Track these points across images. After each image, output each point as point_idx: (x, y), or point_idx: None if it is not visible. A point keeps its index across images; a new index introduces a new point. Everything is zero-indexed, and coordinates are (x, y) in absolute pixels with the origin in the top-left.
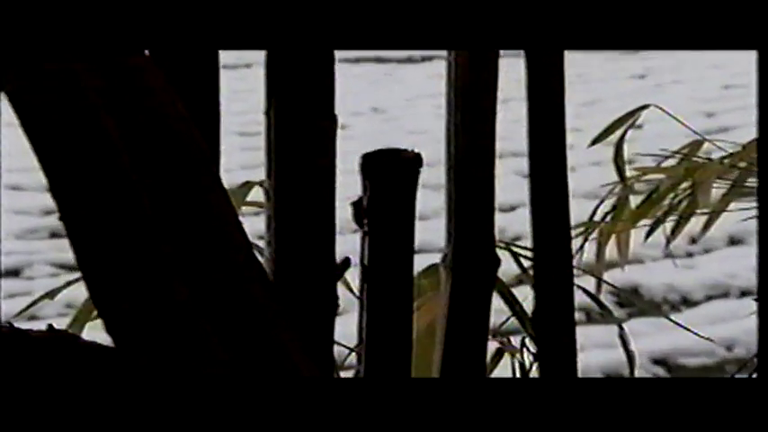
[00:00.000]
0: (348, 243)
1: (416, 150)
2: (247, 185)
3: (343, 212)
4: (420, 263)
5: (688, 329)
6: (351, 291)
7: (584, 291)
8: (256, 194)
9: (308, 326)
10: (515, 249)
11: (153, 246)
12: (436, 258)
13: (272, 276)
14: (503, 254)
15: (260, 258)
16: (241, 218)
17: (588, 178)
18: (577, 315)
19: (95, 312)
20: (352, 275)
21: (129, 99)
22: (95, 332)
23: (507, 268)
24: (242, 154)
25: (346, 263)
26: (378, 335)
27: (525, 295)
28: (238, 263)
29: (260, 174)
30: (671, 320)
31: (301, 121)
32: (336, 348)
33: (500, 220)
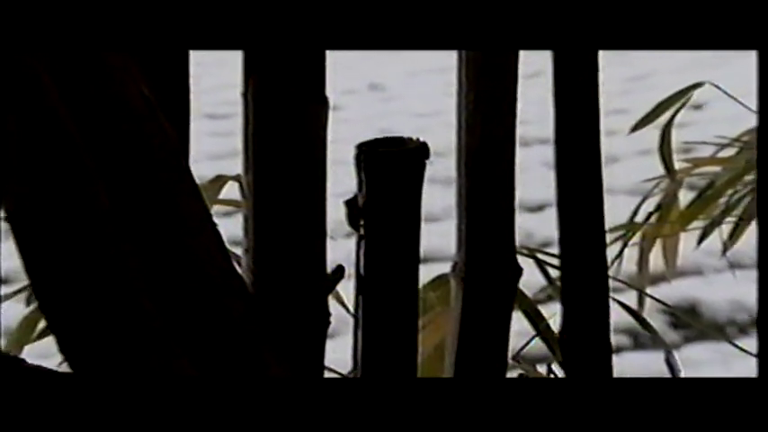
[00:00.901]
0: (341, 249)
1: (422, 138)
2: (219, 180)
3: (335, 212)
4: (427, 273)
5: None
6: (344, 306)
7: (625, 308)
8: (230, 191)
9: (294, 347)
10: (541, 257)
11: (114, 252)
12: (446, 268)
13: (251, 289)
14: (526, 262)
15: (237, 268)
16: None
17: (631, 171)
18: (621, 338)
19: (36, 332)
20: (346, 288)
21: (83, 78)
22: (34, 358)
23: (531, 280)
24: (211, 141)
25: (339, 272)
26: (376, 358)
27: (552, 312)
28: (212, 273)
29: (234, 166)
30: (736, 347)
31: (285, 104)
32: (327, 374)
33: (525, 221)
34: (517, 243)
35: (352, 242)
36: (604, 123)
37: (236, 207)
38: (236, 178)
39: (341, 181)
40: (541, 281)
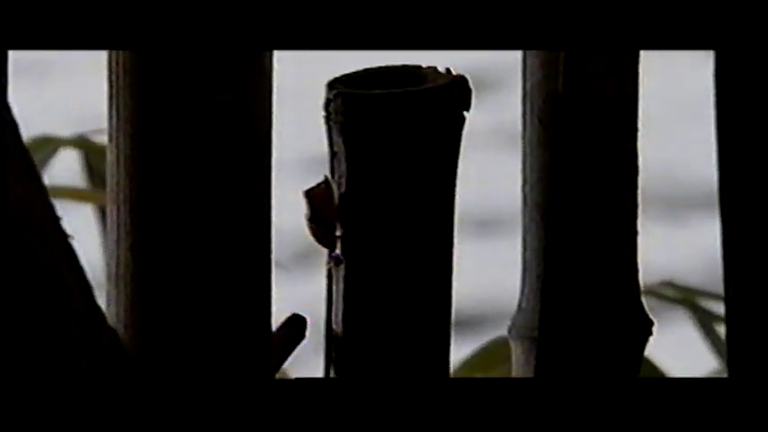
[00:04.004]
0: (298, 285)
1: (455, 70)
2: (44, 144)
3: (289, 213)
4: (468, 337)
5: None
6: None
7: None
8: (65, 163)
9: None
10: (703, 303)
11: None
12: (503, 327)
13: (128, 350)
14: (674, 311)
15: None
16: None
17: None
18: None
19: None
20: (308, 357)
21: None
22: None
23: (683, 343)
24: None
25: (294, 329)
26: None
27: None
28: (66, 322)
29: (69, 115)
30: None
31: None
32: None
33: (695, 232)
34: (655, 275)
35: (319, 273)
36: None
37: (83, 200)
38: (81, 142)
39: (299, 149)
40: (702, 348)
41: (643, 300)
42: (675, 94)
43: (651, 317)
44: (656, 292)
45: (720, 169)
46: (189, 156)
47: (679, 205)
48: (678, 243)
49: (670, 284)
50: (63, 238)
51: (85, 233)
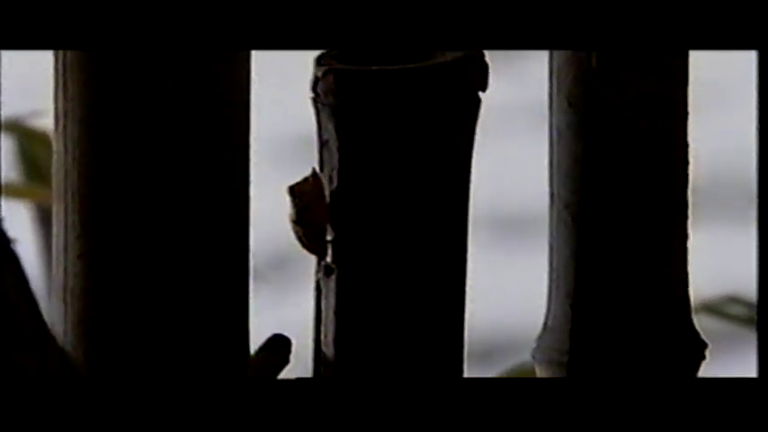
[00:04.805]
0: (282, 297)
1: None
2: None
3: (269, 212)
4: (486, 363)
5: None
6: None
7: None
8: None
9: None
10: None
11: None
12: (525, 353)
13: (79, 370)
14: (739, 331)
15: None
16: None
17: None
18: None
19: None
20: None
21: None
22: None
23: (748, 372)
24: None
25: (276, 351)
26: None
27: None
28: (10, 342)
29: (8, 98)
30: None
31: None
32: None
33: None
34: (717, 289)
35: (306, 284)
36: None
37: (15, 197)
38: (15, 127)
39: (280, 135)
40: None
41: (696, 318)
42: (734, 71)
43: (706, 339)
44: (718, 310)
45: (760, 175)
46: (151, 146)
47: (745, 205)
48: (745, 251)
49: (735, 300)
50: (5, 243)
51: (21, 237)
